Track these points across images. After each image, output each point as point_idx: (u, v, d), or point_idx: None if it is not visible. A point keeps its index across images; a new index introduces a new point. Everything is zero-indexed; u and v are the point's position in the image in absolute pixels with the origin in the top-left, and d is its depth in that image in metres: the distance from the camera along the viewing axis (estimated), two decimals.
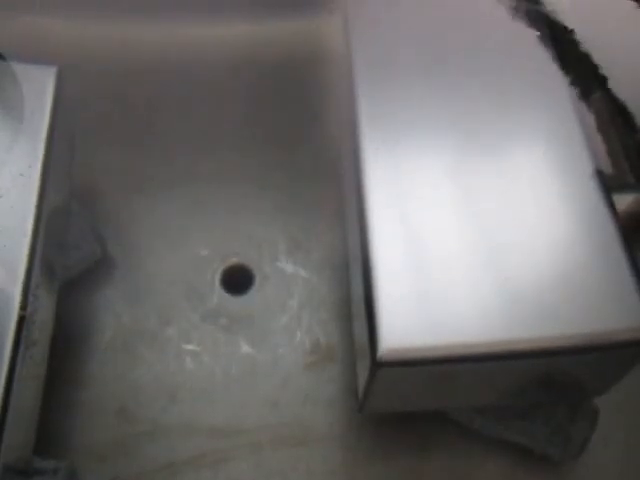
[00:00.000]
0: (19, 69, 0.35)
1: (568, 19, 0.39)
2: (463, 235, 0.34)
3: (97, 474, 0.39)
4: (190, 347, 0.43)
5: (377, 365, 0.31)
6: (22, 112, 0.34)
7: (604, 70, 0.37)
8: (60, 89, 0.36)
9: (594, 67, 0.37)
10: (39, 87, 0.35)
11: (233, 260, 0.47)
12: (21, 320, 0.31)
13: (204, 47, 0.54)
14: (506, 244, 0.33)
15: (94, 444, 0.40)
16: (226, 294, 0.45)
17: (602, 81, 0.37)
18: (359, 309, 0.35)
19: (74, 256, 0.41)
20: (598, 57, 0.38)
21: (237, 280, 0.46)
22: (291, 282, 0.46)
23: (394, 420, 0.41)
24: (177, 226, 0.48)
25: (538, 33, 0.38)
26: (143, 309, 0.44)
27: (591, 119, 0.37)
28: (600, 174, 0.35)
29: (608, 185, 0.35)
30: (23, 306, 0.31)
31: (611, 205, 0.34)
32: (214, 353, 0.43)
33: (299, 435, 0.41)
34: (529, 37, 0.40)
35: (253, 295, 0.45)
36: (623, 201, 0.34)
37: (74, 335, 0.43)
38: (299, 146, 0.50)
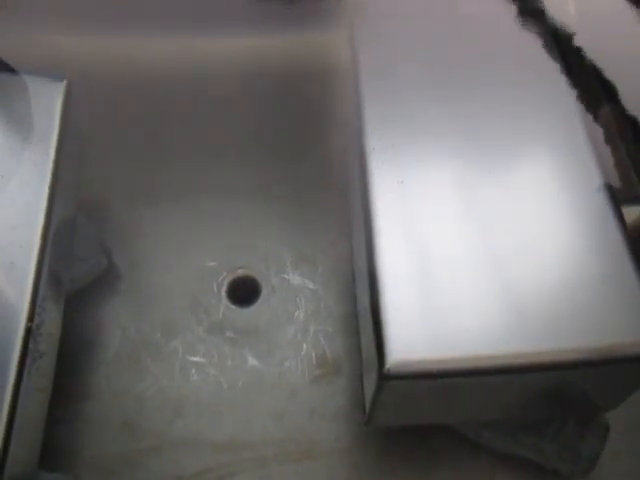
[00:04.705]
0: (29, 82, 0.35)
1: (576, 32, 0.39)
2: (469, 248, 0.34)
3: None
4: (196, 359, 0.43)
5: (384, 378, 0.31)
6: (31, 124, 0.34)
7: (613, 83, 0.37)
8: (68, 102, 0.36)
9: (603, 80, 0.37)
10: (48, 100, 0.36)
11: (239, 272, 0.47)
12: (28, 332, 0.31)
13: (210, 61, 0.55)
14: (513, 257, 0.33)
15: (99, 458, 0.40)
16: (232, 306, 0.45)
17: (611, 94, 0.37)
18: (366, 322, 0.35)
19: (81, 268, 0.42)
20: (608, 71, 0.38)
21: (243, 292, 0.46)
22: (298, 294, 0.46)
23: (401, 434, 0.41)
24: (182, 238, 0.48)
25: (545, 45, 0.39)
26: (149, 321, 0.44)
27: (599, 132, 0.37)
28: (609, 187, 0.35)
29: (617, 198, 0.35)
30: (30, 318, 0.31)
31: (620, 218, 0.34)
32: (220, 366, 0.43)
33: (305, 449, 0.41)
34: (535, 49, 0.40)
35: (259, 307, 0.45)
36: (632, 214, 0.34)
37: (80, 347, 0.43)
38: (305, 158, 0.51)
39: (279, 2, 0.51)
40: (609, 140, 0.36)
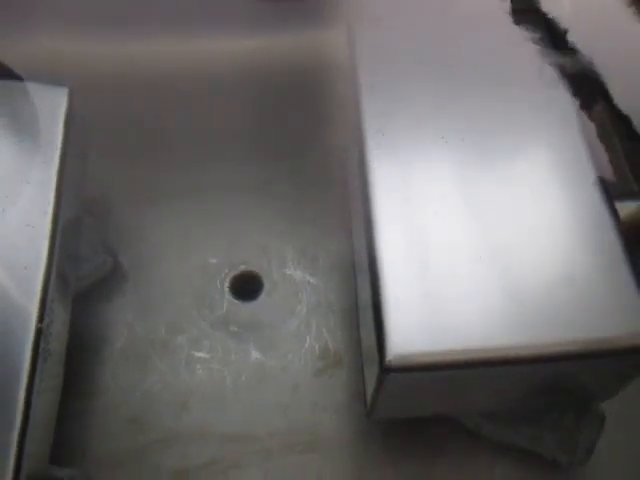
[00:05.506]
0: (33, 89, 0.36)
1: (571, 30, 0.39)
2: (469, 242, 0.34)
3: None
4: (201, 355, 0.44)
5: (385, 371, 0.31)
6: (37, 130, 0.34)
7: (607, 81, 0.37)
8: (72, 109, 0.37)
9: (597, 78, 0.37)
10: (52, 106, 0.36)
11: (242, 268, 0.47)
12: (38, 332, 0.32)
13: (211, 62, 0.55)
14: (511, 251, 0.34)
15: (108, 452, 0.40)
16: (235, 301, 0.46)
17: (605, 92, 0.37)
18: (367, 315, 0.35)
19: (87, 268, 0.42)
20: (601, 68, 0.38)
21: (246, 287, 0.46)
22: (299, 289, 0.46)
23: (402, 425, 0.41)
24: (185, 236, 0.48)
25: (540, 43, 0.39)
26: (154, 318, 0.45)
27: (594, 128, 0.37)
28: (603, 182, 0.35)
29: (610, 193, 0.35)
30: (40, 319, 0.32)
31: (614, 213, 0.34)
32: (224, 360, 0.43)
33: (308, 441, 0.41)
34: (532, 47, 0.40)
35: (262, 302, 0.46)
36: (626, 209, 0.35)
37: (87, 345, 0.43)
38: (304, 156, 0.51)
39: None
40: (603, 137, 0.37)
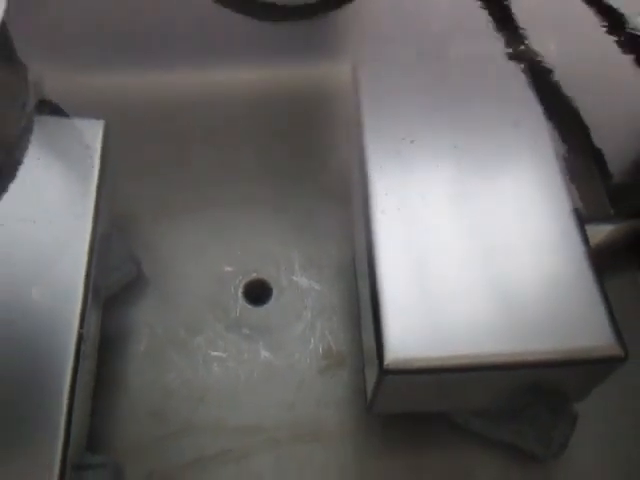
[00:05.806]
0: (75, 123, 0.39)
1: (555, 70, 0.42)
2: (462, 256, 0.37)
3: (135, 469, 0.41)
4: (217, 354, 0.46)
5: (384, 373, 0.34)
6: (79, 161, 0.37)
7: (586, 119, 0.40)
8: (107, 140, 0.40)
9: (577, 116, 0.40)
10: (91, 138, 0.39)
11: (253, 275, 0.49)
12: (80, 337, 0.35)
13: (225, 90, 0.57)
14: (499, 267, 0.37)
15: (132, 443, 0.42)
16: (248, 306, 0.48)
17: (583, 129, 0.40)
18: (367, 320, 0.38)
19: (115, 276, 0.44)
20: (581, 104, 0.40)
21: (257, 293, 0.49)
22: (305, 295, 0.48)
23: (399, 420, 0.43)
24: (203, 247, 0.50)
25: (529, 83, 0.42)
26: (174, 321, 0.47)
27: (572, 161, 0.40)
28: (577, 211, 0.38)
29: (583, 220, 0.38)
30: (81, 325, 0.35)
31: (585, 238, 0.37)
32: (238, 359, 0.46)
33: (313, 432, 0.43)
34: (522, 87, 0.43)
35: (272, 307, 0.48)
36: (596, 234, 0.38)
37: (113, 345, 0.45)
38: (310, 175, 0.53)
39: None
40: (578, 170, 0.40)
